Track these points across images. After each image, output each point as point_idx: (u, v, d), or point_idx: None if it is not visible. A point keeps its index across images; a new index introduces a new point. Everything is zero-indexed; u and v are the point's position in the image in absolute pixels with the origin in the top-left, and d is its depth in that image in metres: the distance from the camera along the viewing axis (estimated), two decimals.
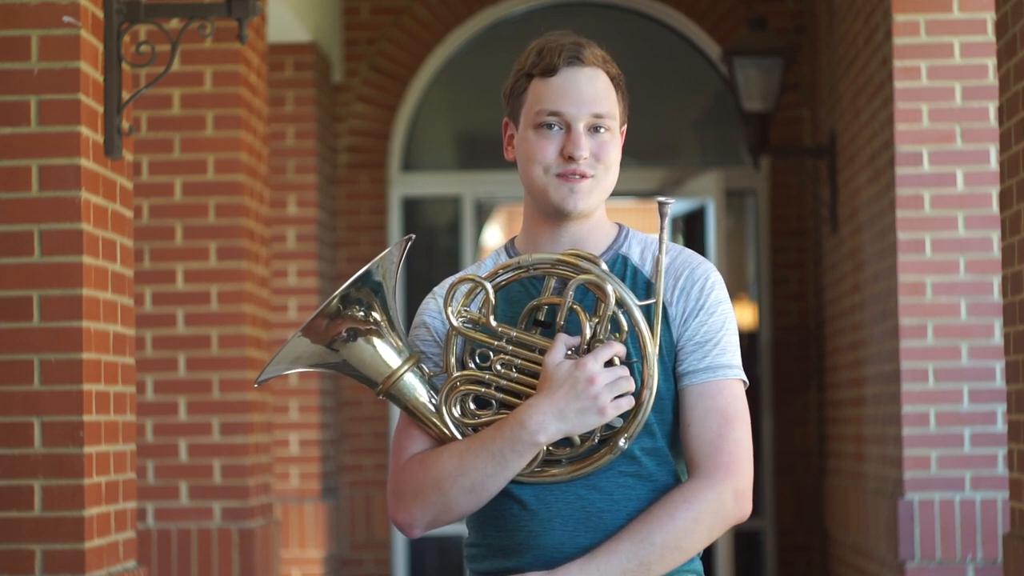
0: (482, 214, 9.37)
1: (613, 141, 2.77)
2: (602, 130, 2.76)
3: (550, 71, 2.77)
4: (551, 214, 2.79)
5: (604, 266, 2.73)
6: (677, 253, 2.81)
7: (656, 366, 2.69)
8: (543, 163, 2.76)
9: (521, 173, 2.80)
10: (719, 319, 2.76)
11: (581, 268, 2.71)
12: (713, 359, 2.74)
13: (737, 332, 2.79)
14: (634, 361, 2.70)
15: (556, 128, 2.76)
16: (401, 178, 9.04)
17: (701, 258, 2.81)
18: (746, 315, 8.92)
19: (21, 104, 4.12)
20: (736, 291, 8.94)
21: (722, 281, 2.79)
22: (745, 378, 2.77)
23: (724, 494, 2.69)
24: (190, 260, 6.13)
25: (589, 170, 2.75)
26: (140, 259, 6.08)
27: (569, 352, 2.69)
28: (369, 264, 2.73)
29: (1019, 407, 4.51)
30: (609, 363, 2.68)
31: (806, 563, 8.77)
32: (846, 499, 7.55)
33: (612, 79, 2.79)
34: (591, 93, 2.76)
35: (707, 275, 2.78)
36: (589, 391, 2.65)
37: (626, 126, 2.85)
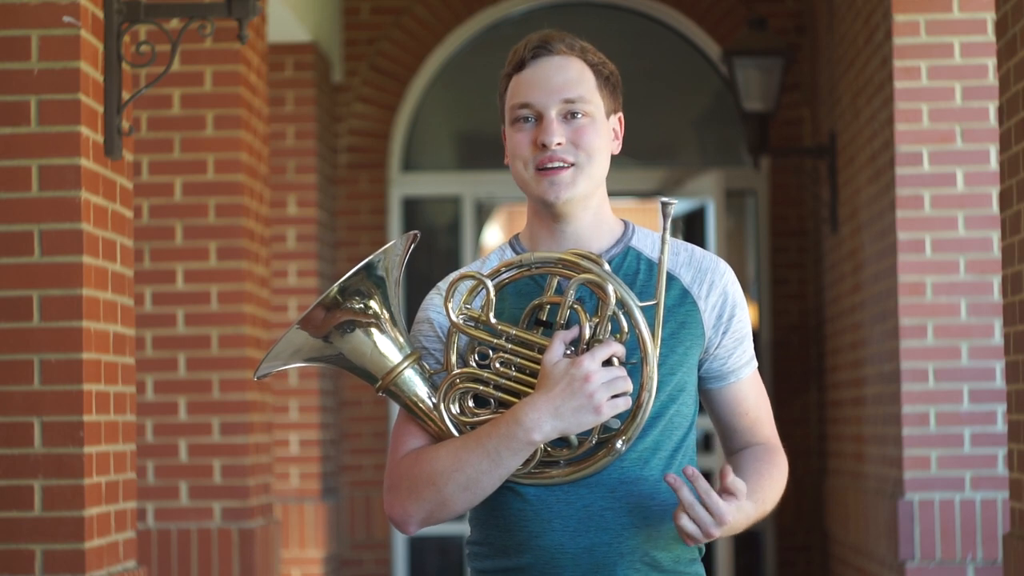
0: (482, 214, 9.37)
1: (592, 126, 2.74)
2: (579, 115, 2.73)
3: (520, 66, 2.77)
4: (545, 212, 2.77)
5: (607, 267, 2.70)
6: (691, 249, 2.83)
7: (656, 368, 2.67)
8: (521, 157, 2.74)
9: (511, 172, 2.78)
10: (743, 312, 2.86)
11: (582, 267, 2.68)
12: (747, 349, 2.86)
13: None
14: (633, 363, 2.67)
15: (531, 120, 2.74)
16: (401, 178, 9.03)
17: (714, 254, 2.86)
18: None
19: (21, 104, 4.12)
20: None
21: None
22: None
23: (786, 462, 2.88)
24: (190, 260, 6.13)
25: (568, 157, 2.72)
26: (140, 259, 6.08)
27: (569, 352, 2.66)
28: (371, 256, 2.68)
29: (1019, 407, 4.50)
30: (608, 363, 2.66)
31: (806, 563, 8.77)
32: (846, 499, 7.55)
33: (592, 67, 2.77)
34: (561, 80, 2.74)
35: (727, 270, 2.85)
36: (585, 389, 2.62)
37: (619, 115, 2.82)
